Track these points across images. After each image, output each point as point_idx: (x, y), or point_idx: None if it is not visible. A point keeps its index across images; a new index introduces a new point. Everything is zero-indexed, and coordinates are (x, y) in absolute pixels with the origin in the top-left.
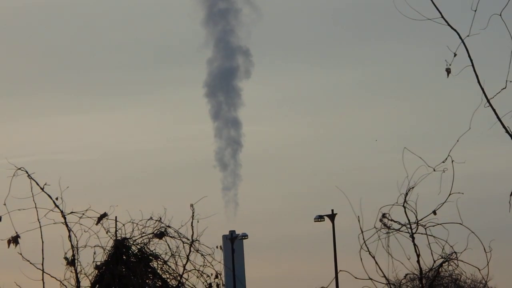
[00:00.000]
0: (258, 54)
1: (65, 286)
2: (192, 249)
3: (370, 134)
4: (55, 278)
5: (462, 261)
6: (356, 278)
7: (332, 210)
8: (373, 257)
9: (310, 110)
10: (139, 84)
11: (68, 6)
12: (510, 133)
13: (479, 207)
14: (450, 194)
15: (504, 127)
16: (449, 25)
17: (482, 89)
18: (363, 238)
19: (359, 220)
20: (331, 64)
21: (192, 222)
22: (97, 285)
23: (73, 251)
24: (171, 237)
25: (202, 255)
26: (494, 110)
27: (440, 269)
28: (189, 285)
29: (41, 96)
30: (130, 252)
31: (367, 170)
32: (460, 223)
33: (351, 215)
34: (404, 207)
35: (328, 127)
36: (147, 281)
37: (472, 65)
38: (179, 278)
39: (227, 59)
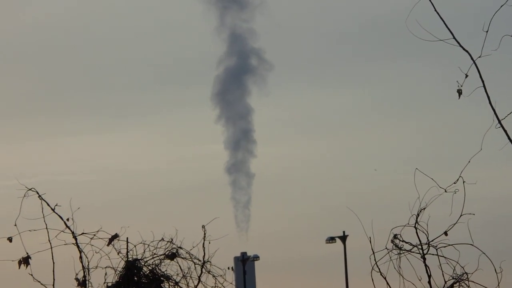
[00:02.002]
0: (270, 74)
1: None
2: (203, 270)
3: (381, 155)
4: None
5: (473, 281)
6: None
7: (344, 232)
8: (385, 278)
9: (321, 131)
10: (149, 105)
11: (71, 27)
12: None
13: (491, 228)
14: (461, 215)
15: None
16: (460, 46)
17: (494, 110)
18: (375, 259)
19: (370, 241)
20: (341, 85)
21: (203, 243)
22: None
23: (84, 272)
24: (182, 258)
25: (213, 276)
26: (505, 131)
27: None
28: None
29: (51, 117)
30: (142, 273)
31: (379, 191)
32: (471, 244)
33: (362, 236)
34: (416, 228)
35: (339, 148)
36: None
37: (484, 86)
38: None
39: (238, 80)
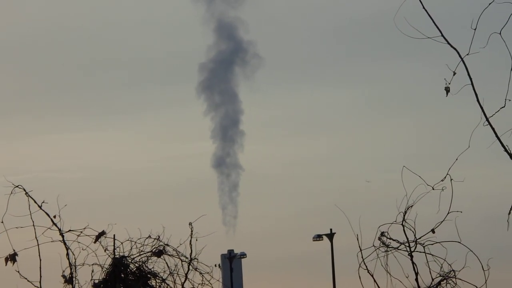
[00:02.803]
0: (258, 72)
1: None
2: (190, 267)
3: (369, 153)
4: None
5: (460, 279)
6: None
7: (331, 230)
8: (372, 276)
9: (308, 130)
10: (136, 103)
11: (57, 25)
12: (509, 151)
13: (478, 226)
14: (448, 213)
15: (503, 145)
16: (448, 43)
17: (481, 107)
18: (362, 257)
19: (357, 239)
20: (331, 83)
21: (190, 241)
22: None
23: (71, 269)
24: (169, 255)
25: (200, 273)
26: (493, 128)
27: (439, 287)
28: None
29: (39, 114)
30: (129, 270)
31: (366, 189)
32: (458, 242)
33: (350, 234)
34: (403, 226)
35: (326, 147)
36: None
37: (472, 83)
38: None
39: (226, 77)
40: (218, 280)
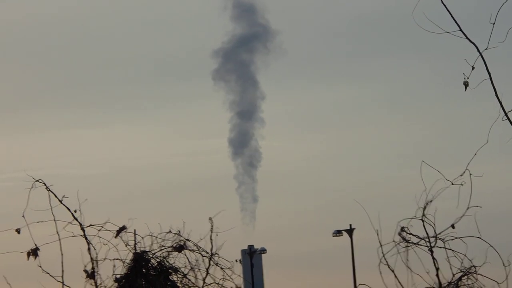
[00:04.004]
0: (276, 72)
1: None
2: (211, 262)
3: (388, 148)
4: None
5: (481, 275)
6: None
7: (350, 225)
8: (392, 271)
9: (327, 126)
10: (156, 98)
11: (76, 21)
12: None
13: (498, 221)
14: (468, 208)
15: None
16: (467, 38)
17: (500, 102)
18: (382, 252)
19: (377, 234)
20: (348, 80)
21: (211, 236)
22: None
23: (92, 263)
24: (190, 250)
25: (221, 268)
26: (511, 122)
27: (459, 283)
28: None
29: (57, 110)
30: (150, 265)
31: (386, 185)
32: (478, 237)
33: (369, 229)
34: (423, 221)
35: (346, 143)
36: None
37: (490, 78)
38: None
39: (245, 75)
40: (238, 276)
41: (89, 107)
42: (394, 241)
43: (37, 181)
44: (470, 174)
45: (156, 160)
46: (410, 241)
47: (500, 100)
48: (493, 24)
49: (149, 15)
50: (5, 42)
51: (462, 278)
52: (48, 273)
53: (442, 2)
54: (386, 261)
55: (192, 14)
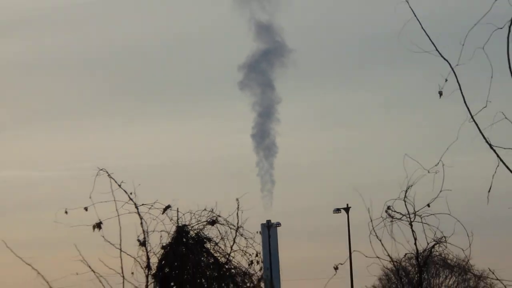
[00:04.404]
0: (289, 80)
1: (138, 262)
2: (237, 233)
3: (381, 146)
4: (130, 255)
5: (450, 243)
6: (366, 256)
7: (347, 204)
8: (380, 241)
9: (331, 125)
10: (198, 102)
11: (145, 46)
12: (489, 142)
13: (464, 202)
14: (441, 191)
15: (484, 138)
16: (442, 56)
17: (467, 107)
18: (372, 226)
19: (369, 212)
20: (349, 86)
21: (237, 213)
22: (163, 262)
23: (144, 234)
24: (221, 224)
25: (245, 238)
26: (476, 124)
27: (432, 250)
28: (235, 262)
29: (117, 112)
30: (189, 236)
31: (377, 173)
32: (448, 214)
33: (363, 208)
34: (405, 201)
35: (347, 139)
36: (202, 258)
37: (460, 88)
38: (227, 256)
39: (265, 83)
40: (259, 244)
41: (140, 111)
42: (382, 217)
43: (101, 170)
44: (443, 165)
45: (196, 151)
46: (394, 217)
47: (468, 106)
48: (463, 45)
49: (188, 35)
50: (87, 51)
51: (435, 246)
52: (109, 242)
53: (423, 28)
54: (375, 233)
55: (222, 34)
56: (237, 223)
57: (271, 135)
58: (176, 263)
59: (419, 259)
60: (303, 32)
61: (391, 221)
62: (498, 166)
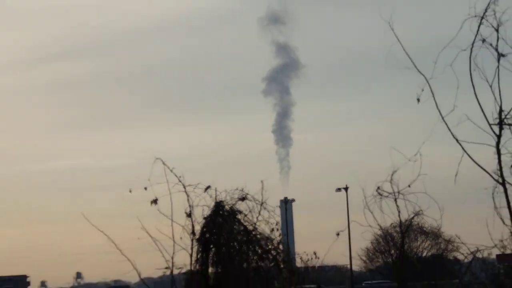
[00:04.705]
0: (302, 88)
1: (185, 229)
2: (261, 207)
3: (374, 140)
4: (179, 224)
5: (425, 215)
6: (361, 225)
7: (346, 185)
8: (372, 213)
9: (333, 122)
10: (231, 106)
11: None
12: (455, 137)
13: (437, 184)
14: (418, 175)
15: (452, 134)
16: (419, 71)
17: (439, 111)
18: (366, 202)
19: (363, 191)
20: (349, 93)
21: (262, 191)
22: (205, 229)
23: (190, 208)
24: (249, 200)
25: (267, 211)
26: (446, 123)
27: (412, 220)
28: (260, 229)
29: (169, 113)
30: (224, 209)
31: (370, 161)
32: (424, 193)
33: (359, 188)
34: (391, 183)
35: (348, 134)
36: (234, 227)
37: (433, 96)
38: (254, 225)
39: (282, 90)
40: (278, 215)
41: (189, 113)
42: (373, 195)
43: (157, 158)
44: (420, 155)
45: (230, 144)
46: (383, 195)
47: (439, 109)
48: (435, 63)
49: (223, 55)
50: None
51: (414, 217)
52: (163, 214)
53: (404, 50)
54: (368, 207)
55: (249, 53)
56: (261, 199)
57: (287, 130)
58: (214, 230)
59: (402, 228)
60: (313, 51)
61: (380, 198)
62: (462, 156)
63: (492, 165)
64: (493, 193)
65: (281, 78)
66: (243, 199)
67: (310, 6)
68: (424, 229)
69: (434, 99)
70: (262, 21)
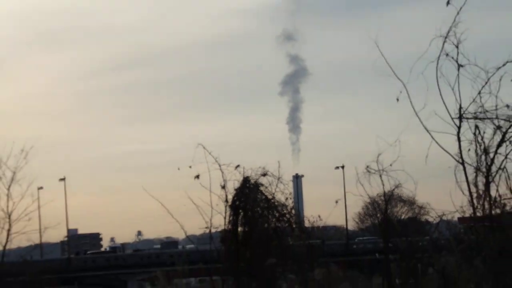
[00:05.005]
0: (309, 89)
1: (220, 198)
2: (278, 181)
3: (365, 130)
4: (216, 194)
5: (403, 187)
6: (354, 195)
7: (343, 164)
8: (362, 185)
9: (335, 118)
10: (256, 103)
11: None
12: (426, 129)
13: (412, 163)
14: (398, 157)
15: (423, 125)
16: (398, 78)
17: (413, 108)
18: (358, 177)
19: (356, 169)
20: (349, 98)
21: (278, 169)
22: (235, 198)
23: (224, 182)
24: (269, 176)
25: (283, 184)
26: (419, 118)
27: (393, 191)
28: (277, 198)
29: (207, 108)
30: (250, 182)
31: (360, 147)
32: (402, 170)
33: (353, 167)
34: (377, 163)
35: (348, 128)
36: (258, 196)
37: (409, 96)
38: (272, 194)
39: (294, 90)
40: (291, 188)
41: (223, 108)
42: (363, 172)
43: (199, 144)
44: (399, 141)
45: (254, 133)
46: (371, 172)
47: (413, 107)
48: (410, 71)
49: (248, 67)
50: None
51: (395, 189)
52: (203, 186)
53: (386, 62)
54: (360, 181)
55: (269, 63)
56: (278, 175)
57: (298, 121)
58: (242, 199)
59: (385, 197)
60: (317, 61)
61: (369, 174)
62: (431, 142)
63: (454, 149)
64: (455, 171)
65: (293, 82)
66: (264, 175)
67: (316, 28)
68: (402, 198)
69: (410, 99)
70: (278, 39)
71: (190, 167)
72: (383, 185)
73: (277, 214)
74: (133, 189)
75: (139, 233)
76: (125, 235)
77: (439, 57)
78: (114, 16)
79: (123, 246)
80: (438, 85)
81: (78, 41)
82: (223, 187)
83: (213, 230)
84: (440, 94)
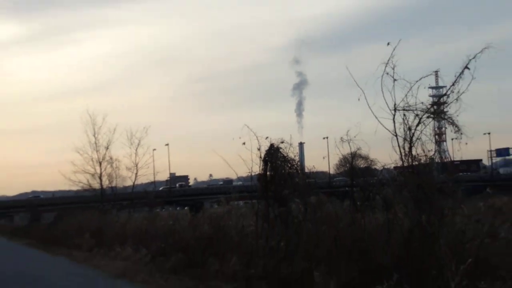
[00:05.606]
0: (310, 92)
1: (257, 155)
2: (290, 146)
3: (343, 117)
4: (254, 153)
5: (362, 150)
6: (336, 154)
7: (327, 136)
8: (338, 149)
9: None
10: (273, 101)
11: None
12: (376, 116)
13: (368, 136)
14: (359, 132)
15: (374, 115)
16: (359, 87)
17: (369, 106)
18: (336, 143)
19: (335, 139)
20: (348, 102)
21: (290, 139)
22: (265, 155)
23: (259, 146)
24: (285, 143)
25: (293, 147)
26: (371, 110)
27: (356, 151)
28: (289, 156)
29: (244, 104)
30: (274, 146)
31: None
32: (362, 140)
33: (336, 137)
34: (347, 136)
35: (348, 121)
36: (278, 155)
37: (366, 99)
38: (287, 154)
39: (300, 92)
40: (297, 150)
41: (255, 104)
42: (339, 141)
43: (245, 125)
44: (360, 123)
45: (272, 120)
46: (343, 141)
47: (369, 104)
48: (365, 83)
49: (268, 81)
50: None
51: (356, 150)
52: (248, 149)
53: (353, 79)
54: (337, 146)
55: (282, 74)
56: (290, 142)
57: (302, 110)
58: (269, 156)
59: (351, 154)
60: (314, 75)
61: (342, 142)
62: (378, 124)
63: (391, 128)
64: (391, 140)
65: (299, 88)
66: (282, 142)
67: (314, 55)
68: (361, 155)
69: (366, 100)
70: (290, 62)
71: (240, 138)
72: (350, 148)
73: (289, 165)
74: (208, 149)
75: (210, 175)
76: (201, 176)
77: (382, 75)
78: None
79: (185, 184)
80: (382, 91)
81: None
82: (259, 149)
83: (253, 173)
84: (383, 97)
